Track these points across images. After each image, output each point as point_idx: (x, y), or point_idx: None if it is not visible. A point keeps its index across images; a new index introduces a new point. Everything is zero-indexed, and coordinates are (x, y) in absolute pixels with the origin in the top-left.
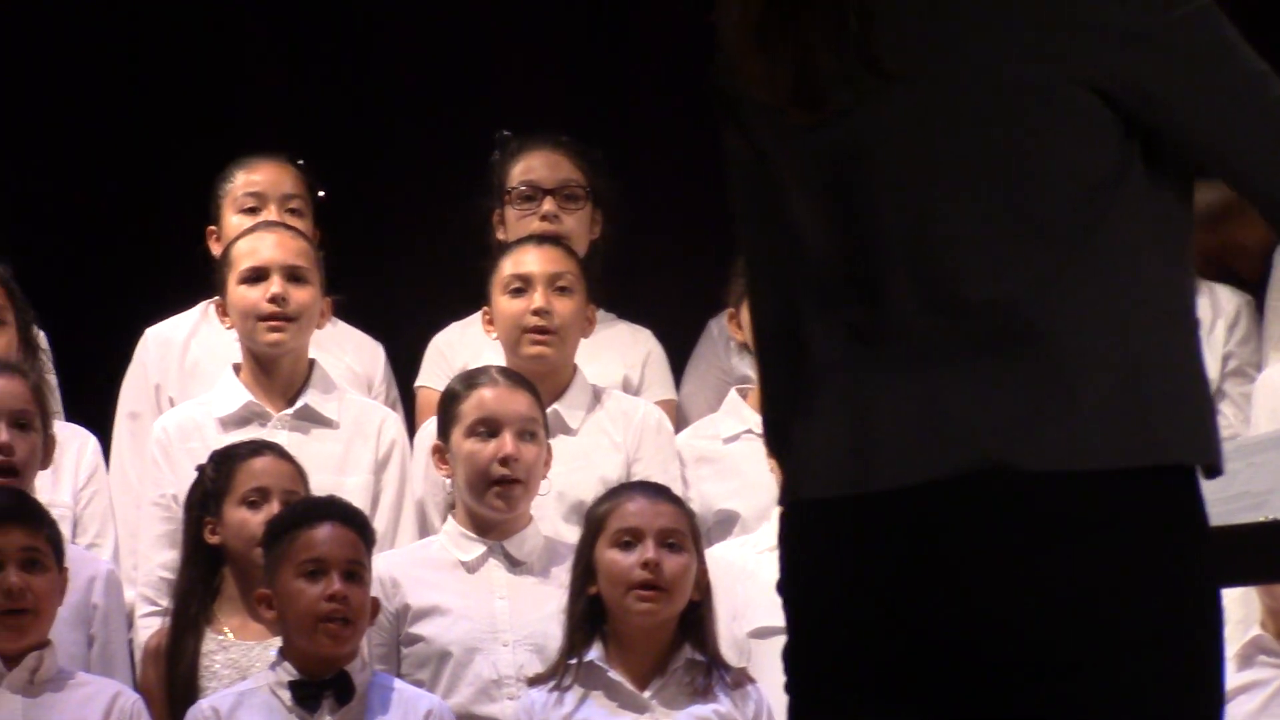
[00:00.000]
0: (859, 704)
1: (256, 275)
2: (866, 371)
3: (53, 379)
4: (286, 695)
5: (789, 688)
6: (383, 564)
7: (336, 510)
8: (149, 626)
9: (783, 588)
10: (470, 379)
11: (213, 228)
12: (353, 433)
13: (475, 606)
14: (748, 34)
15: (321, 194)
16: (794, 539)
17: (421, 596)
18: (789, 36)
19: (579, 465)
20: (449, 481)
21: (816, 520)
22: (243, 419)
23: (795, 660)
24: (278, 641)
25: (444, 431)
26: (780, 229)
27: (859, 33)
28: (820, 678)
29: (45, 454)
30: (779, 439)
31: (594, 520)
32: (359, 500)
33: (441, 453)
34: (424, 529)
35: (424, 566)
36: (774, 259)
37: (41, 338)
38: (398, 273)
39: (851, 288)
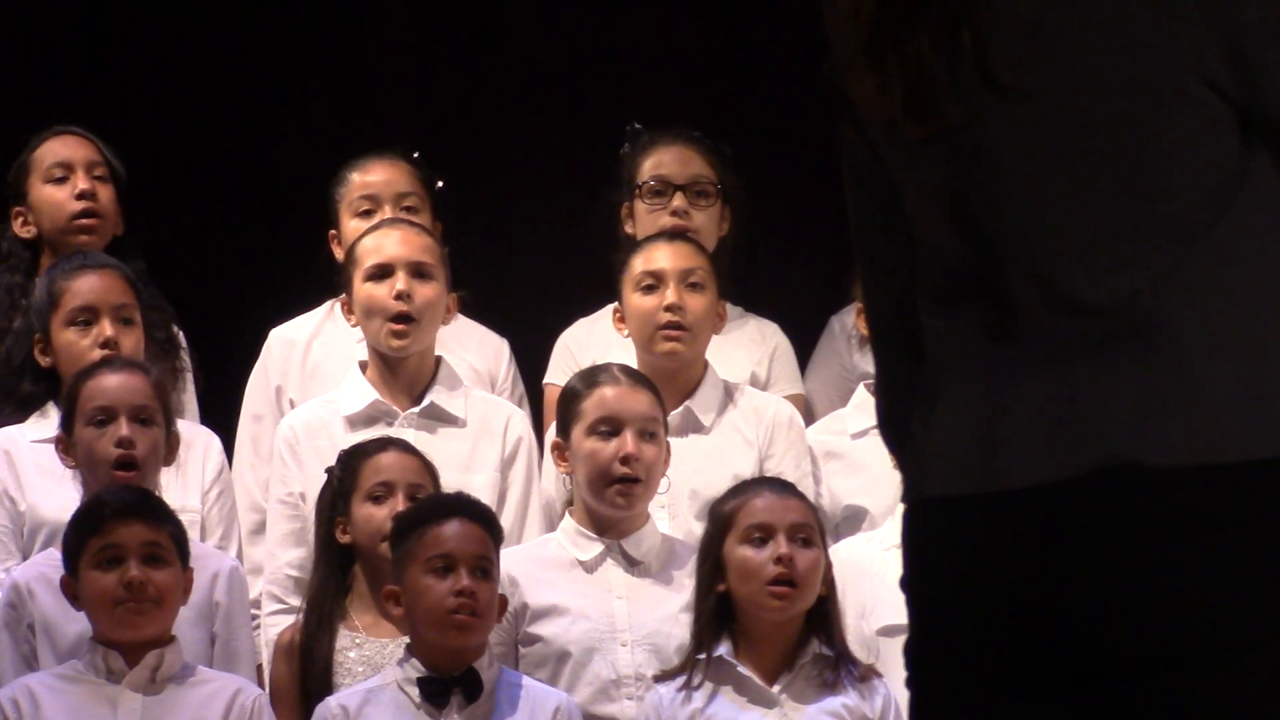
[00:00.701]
0: (985, 701)
1: (381, 272)
2: (990, 370)
3: (190, 378)
4: (414, 692)
5: (911, 683)
6: (501, 563)
7: (465, 506)
8: (276, 624)
9: (906, 584)
10: (591, 377)
11: (334, 231)
12: (479, 430)
13: (593, 606)
14: (858, 49)
15: (440, 184)
16: (918, 536)
17: (540, 596)
18: (901, 51)
19: (711, 463)
20: (568, 479)
21: (942, 518)
22: (369, 418)
23: (918, 656)
24: (401, 637)
25: (564, 429)
26: (895, 225)
27: (974, 50)
28: (945, 674)
29: (168, 451)
30: (897, 434)
31: (721, 517)
32: (485, 498)
33: (561, 450)
34: (553, 526)
35: (542, 565)
36: (888, 254)
37: (181, 337)
38: (525, 268)
39: (973, 287)
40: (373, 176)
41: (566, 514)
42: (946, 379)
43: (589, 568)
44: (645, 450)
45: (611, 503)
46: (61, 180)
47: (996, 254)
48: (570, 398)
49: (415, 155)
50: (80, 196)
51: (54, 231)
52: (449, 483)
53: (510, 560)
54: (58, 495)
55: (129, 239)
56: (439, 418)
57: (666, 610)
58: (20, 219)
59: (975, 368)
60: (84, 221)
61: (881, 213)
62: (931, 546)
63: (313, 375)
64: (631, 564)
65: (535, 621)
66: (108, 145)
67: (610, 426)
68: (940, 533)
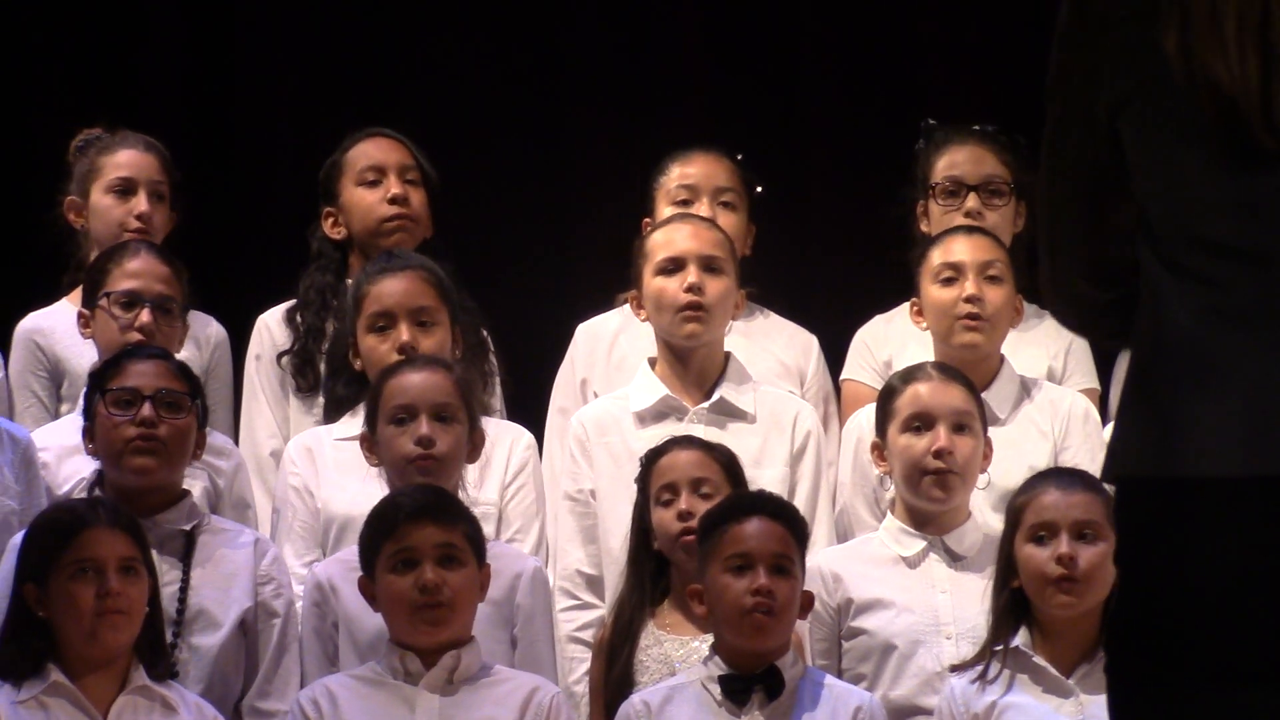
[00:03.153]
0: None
1: (673, 266)
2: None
3: (498, 381)
4: (716, 690)
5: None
6: (825, 559)
7: (766, 504)
8: (568, 620)
9: (1148, 565)
10: (908, 374)
11: (648, 220)
12: (769, 425)
13: (917, 600)
14: (1211, 58)
15: (760, 189)
16: (1175, 517)
17: (864, 590)
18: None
19: (1008, 455)
20: (876, 474)
21: (1212, 499)
22: (659, 413)
23: (1169, 639)
24: (708, 638)
25: (881, 428)
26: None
27: None
28: (1216, 660)
29: (471, 448)
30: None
31: (1012, 513)
32: (776, 491)
33: (879, 450)
34: (846, 522)
35: (865, 562)
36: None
37: (489, 341)
38: (823, 265)
39: (1241, 269)
40: (693, 169)
41: (889, 513)
42: (1202, 360)
43: (912, 563)
44: (959, 443)
45: (927, 496)
46: (373, 184)
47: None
48: (886, 396)
49: (739, 157)
50: (392, 201)
51: (364, 234)
52: None
53: (834, 557)
54: (350, 490)
55: (440, 241)
56: (728, 413)
57: (989, 604)
58: (331, 220)
59: (1240, 350)
60: (394, 224)
61: (1113, 194)
62: (1197, 529)
63: (618, 368)
64: (954, 559)
65: (859, 616)
66: (419, 147)
67: (923, 421)
68: (1209, 515)
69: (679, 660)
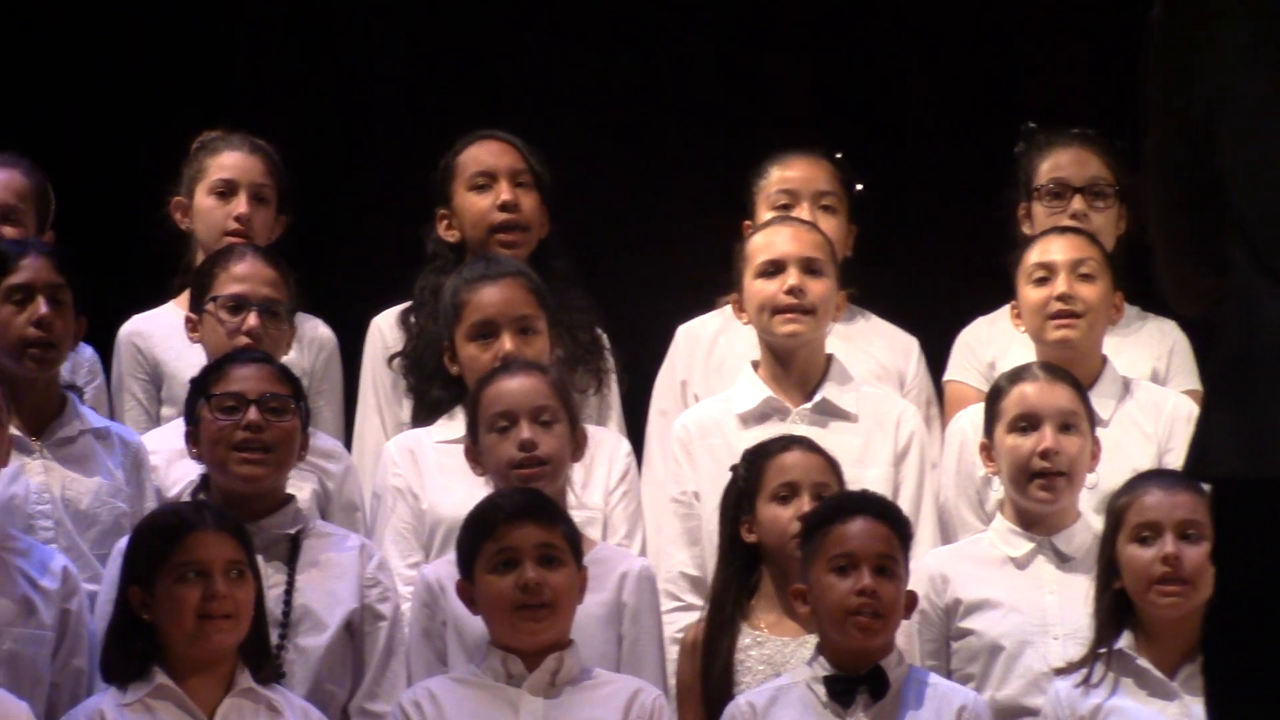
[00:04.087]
0: None
1: (774, 268)
2: None
3: (613, 379)
4: (821, 691)
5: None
6: (933, 560)
7: (870, 504)
8: (672, 622)
9: (1241, 565)
10: (1015, 374)
11: (748, 223)
12: (872, 425)
13: (1025, 601)
14: None
15: (859, 188)
16: (1271, 519)
17: (972, 591)
18: None
19: (1110, 456)
20: (982, 475)
21: None
22: (762, 414)
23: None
24: (810, 638)
25: (989, 428)
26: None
27: None
28: None
29: (575, 448)
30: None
31: (1114, 514)
32: (879, 491)
33: (988, 450)
34: (949, 523)
35: (973, 562)
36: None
37: (605, 339)
38: (925, 268)
39: None
40: (792, 172)
41: (999, 513)
42: None
43: (1020, 564)
44: (1065, 443)
45: (1034, 497)
46: (484, 189)
47: None
48: (994, 396)
49: (838, 156)
50: (502, 208)
51: (476, 239)
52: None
53: (943, 557)
54: (457, 493)
55: (555, 239)
56: (831, 413)
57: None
58: (445, 222)
59: None
60: (505, 236)
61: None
62: None
63: (718, 370)
64: (1062, 560)
65: (967, 616)
66: (532, 149)
67: (1029, 422)
68: None
69: (783, 662)
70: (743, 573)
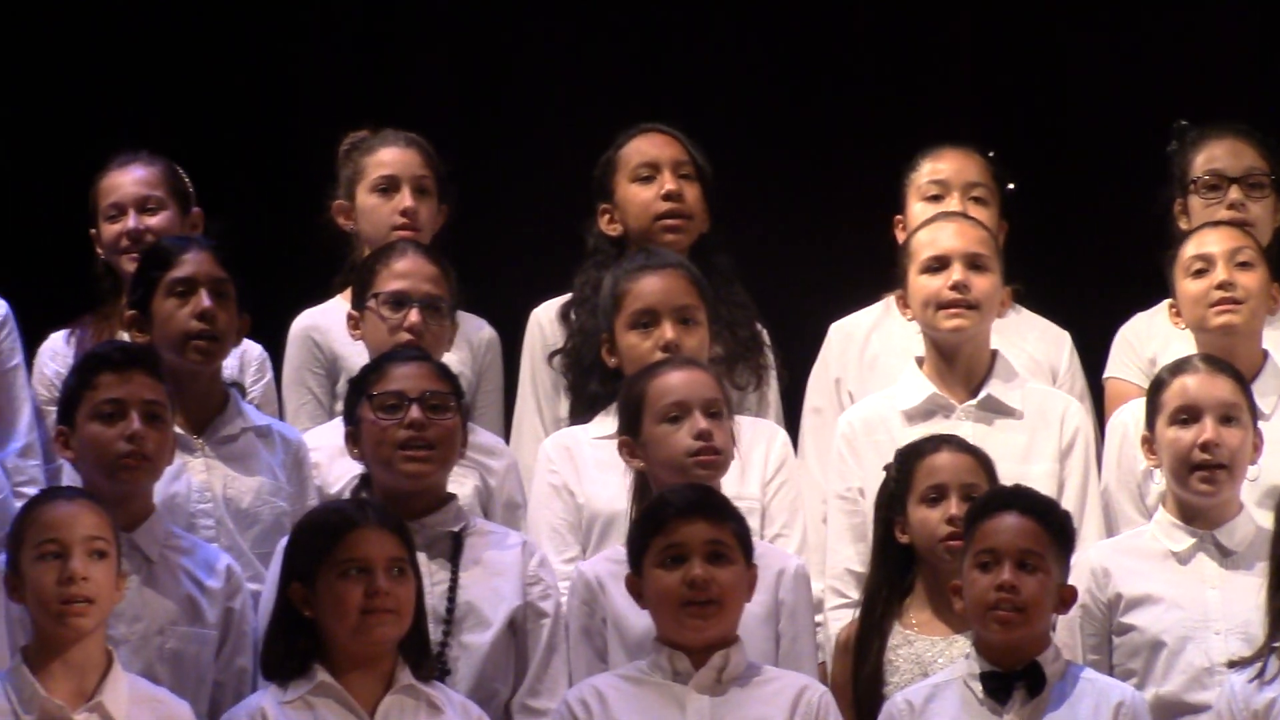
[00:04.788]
0: None
1: (938, 264)
2: None
3: (773, 375)
4: (978, 687)
5: None
6: (1095, 554)
7: (1018, 499)
8: (839, 619)
9: None
10: (1176, 367)
11: (899, 217)
12: (1036, 422)
13: (1187, 596)
14: None
15: (1011, 186)
16: None
17: (1133, 586)
18: None
19: (1273, 450)
20: (1143, 468)
21: None
22: (927, 411)
23: None
24: (959, 638)
25: (1150, 421)
26: None
27: None
28: None
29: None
30: None
31: None
32: (1043, 488)
33: (1149, 443)
34: (1111, 517)
35: (1135, 556)
36: None
37: (765, 335)
38: (1082, 263)
39: None
40: (943, 164)
41: (1160, 507)
42: None
43: (1182, 559)
44: (1226, 435)
45: (1195, 490)
46: (648, 180)
47: None
48: (1155, 389)
49: (991, 154)
50: (666, 197)
51: (640, 230)
52: (1007, 474)
53: (1104, 551)
54: (612, 487)
55: (716, 235)
56: (996, 409)
57: (1261, 600)
58: (607, 216)
59: None
60: (670, 222)
61: None
62: None
63: (871, 367)
64: (1224, 554)
65: (1128, 611)
66: (693, 143)
67: (1189, 414)
68: None
69: (931, 661)
70: (896, 573)
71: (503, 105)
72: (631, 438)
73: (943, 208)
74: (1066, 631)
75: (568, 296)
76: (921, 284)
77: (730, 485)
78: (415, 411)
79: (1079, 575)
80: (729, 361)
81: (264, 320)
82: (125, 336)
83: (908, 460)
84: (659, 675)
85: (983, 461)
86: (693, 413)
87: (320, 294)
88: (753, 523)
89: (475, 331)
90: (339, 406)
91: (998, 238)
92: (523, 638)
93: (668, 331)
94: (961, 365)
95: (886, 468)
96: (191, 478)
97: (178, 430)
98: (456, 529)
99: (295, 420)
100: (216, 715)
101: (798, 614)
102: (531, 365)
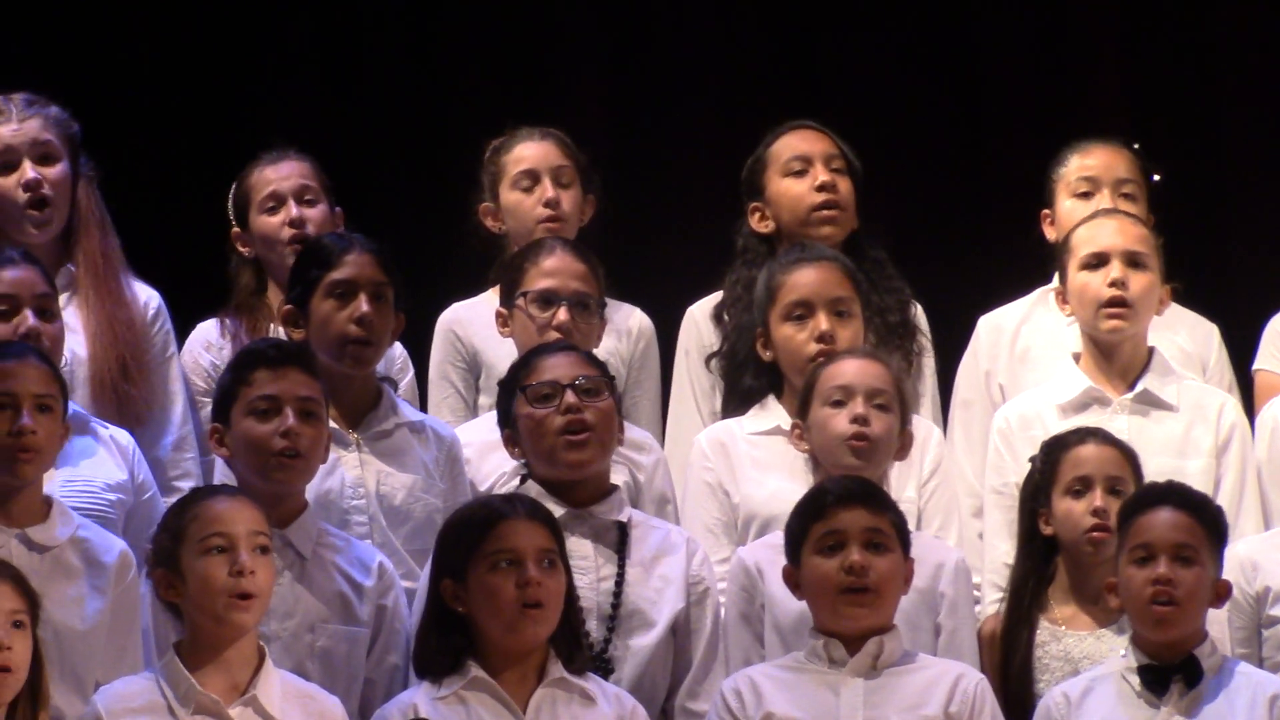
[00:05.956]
0: None
1: (1097, 261)
2: None
3: (929, 361)
4: (1135, 680)
5: None
6: (1243, 547)
7: (1172, 495)
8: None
9: None
10: None
11: (1046, 211)
12: (1192, 416)
13: None
14: None
15: (1156, 178)
16: None
17: None
18: None
19: None
20: None
21: None
22: (1082, 404)
23: None
24: (1105, 632)
25: None
26: None
27: None
28: None
29: (900, 446)
30: None
31: None
32: (1198, 483)
33: None
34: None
35: None
36: None
37: (919, 318)
38: (1233, 255)
39: None
40: (1092, 160)
41: None
42: None
43: None
44: None
45: None
46: (800, 173)
47: None
48: None
49: (1135, 146)
50: (820, 188)
51: (794, 224)
52: (1161, 469)
53: (1252, 545)
54: (769, 487)
55: (869, 230)
56: (1152, 403)
57: None
58: (758, 214)
59: None
60: (825, 213)
61: None
62: None
63: (1021, 360)
64: None
65: (1277, 604)
66: (843, 138)
67: None
68: None
69: (1080, 658)
70: (1041, 564)
71: (651, 105)
72: (801, 421)
73: (1092, 204)
74: (1215, 625)
75: (720, 295)
76: (1081, 281)
77: (889, 485)
78: (570, 397)
79: (1228, 569)
80: (880, 348)
81: (415, 315)
82: (279, 331)
83: (1053, 452)
84: (814, 663)
85: (1128, 455)
86: (855, 398)
87: (473, 286)
88: (910, 524)
89: (625, 320)
90: (482, 400)
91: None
92: (683, 638)
93: (822, 323)
94: (1119, 360)
95: (1031, 459)
96: (346, 473)
97: (332, 425)
98: (623, 518)
99: (438, 414)
100: (367, 713)
101: (958, 607)
102: (687, 362)
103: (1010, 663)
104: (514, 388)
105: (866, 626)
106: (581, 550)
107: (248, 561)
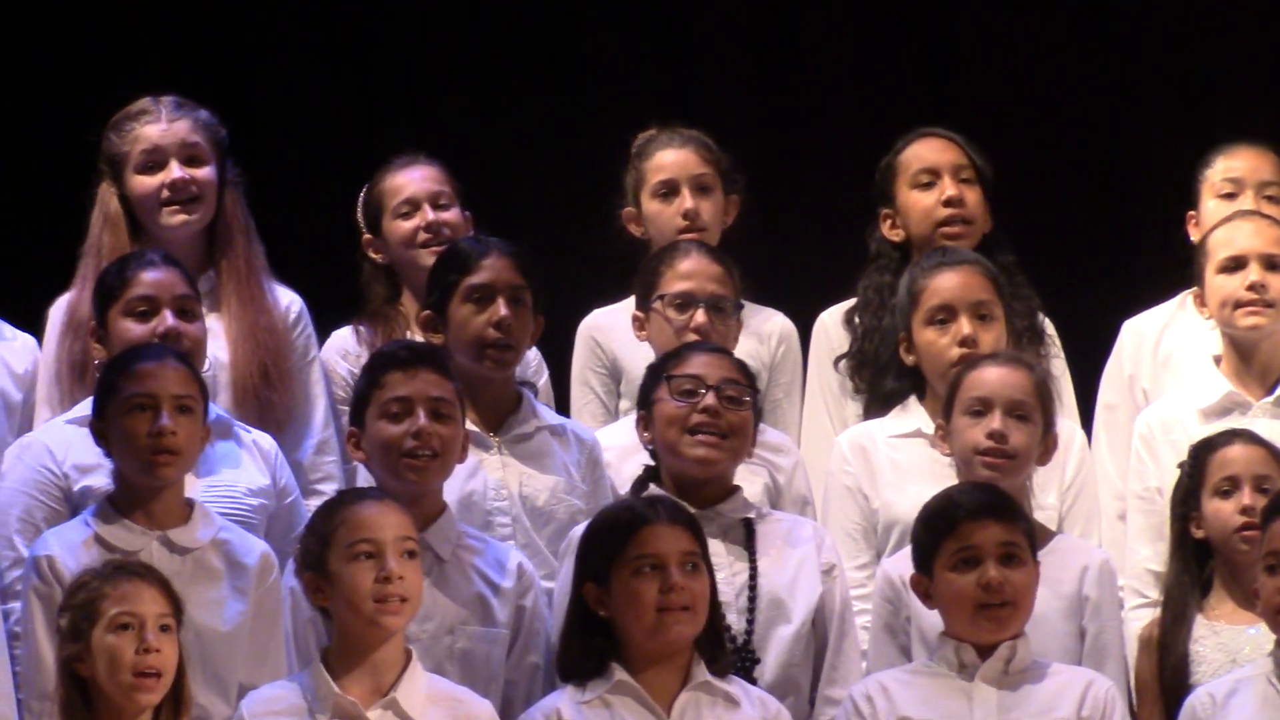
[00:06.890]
0: None
1: (1235, 264)
2: None
3: (1060, 365)
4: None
5: None
6: None
7: None
8: (1138, 619)
9: None
10: None
11: (1192, 213)
12: None
13: None
14: None
15: None
16: None
17: None
18: None
19: None
20: None
21: None
22: (1223, 409)
23: None
24: (1261, 624)
25: None
26: None
27: None
28: None
29: (1043, 451)
30: None
31: None
32: None
33: None
34: None
35: None
36: None
37: (1047, 325)
38: None
39: None
40: (1237, 161)
41: None
42: None
43: None
44: None
45: None
46: (928, 186)
47: None
48: None
49: None
50: (947, 203)
51: (921, 236)
52: None
53: None
54: (910, 493)
55: (999, 234)
56: None
57: None
58: (889, 221)
59: None
60: (951, 230)
61: None
62: None
63: (1164, 365)
64: None
65: None
66: (973, 145)
67: None
68: None
69: (1239, 649)
70: (1194, 567)
71: (792, 107)
72: (945, 423)
73: (1235, 205)
74: None
75: (852, 301)
76: (1218, 283)
77: (1036, 494)
78: (711, 398)
79: None
80: None
81: (557, 317)
82: (417, 336)
83: (1201, 454)
84: (945, 669)
85: (1276, 455)
86: (993, 410)
87: (616, 292)
88: (1051, 528)
89: (764, 323)
90: (623, 405)
91: None
92: (821, 627)
93: (965, 327)
94: (1258, 363)
95: (1181, 464)
96: (488, 475)
97: (473, 428)
98: (751, 515)
99: (579, 419)
100: (509, 713)
101: (1103, 609)
102: (819, 368)
103: (1166, 663)
104: (661, 374)
105: (1003, 637)
106: (712, 548)
107: (395, 568)
